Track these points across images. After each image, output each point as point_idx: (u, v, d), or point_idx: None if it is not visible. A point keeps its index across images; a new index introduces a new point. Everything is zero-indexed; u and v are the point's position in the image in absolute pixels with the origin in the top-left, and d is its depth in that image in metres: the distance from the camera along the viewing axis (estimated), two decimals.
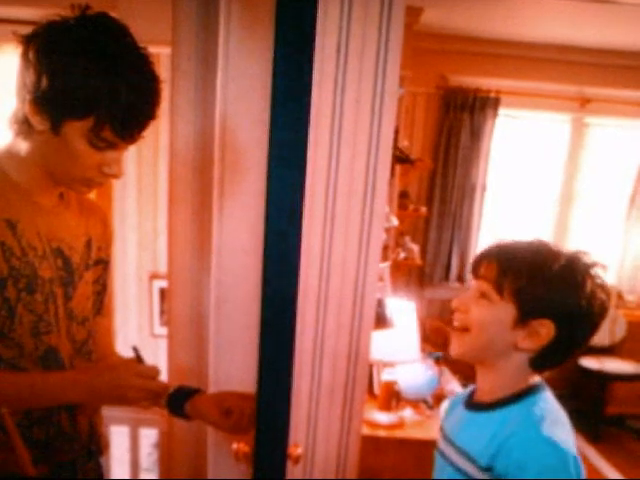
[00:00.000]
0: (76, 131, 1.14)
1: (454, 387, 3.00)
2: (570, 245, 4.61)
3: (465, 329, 1.24)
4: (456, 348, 1.27)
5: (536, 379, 1.24)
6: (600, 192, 5.26)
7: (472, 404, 1.31)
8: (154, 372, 1.27)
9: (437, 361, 2.98)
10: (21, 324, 1.19)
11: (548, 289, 1.16)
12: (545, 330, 1.17)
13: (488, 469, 1.16)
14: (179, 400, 1.38)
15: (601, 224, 5.31)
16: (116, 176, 1.24)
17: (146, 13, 2.36)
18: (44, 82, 1.11)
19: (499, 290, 1.19)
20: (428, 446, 2.51)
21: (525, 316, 1.18)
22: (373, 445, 2.38)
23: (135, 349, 1.31)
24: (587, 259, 1.19)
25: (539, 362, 1.22)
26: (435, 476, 1.36)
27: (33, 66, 1.11)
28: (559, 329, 1.16)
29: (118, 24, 1.16)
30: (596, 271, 1.19)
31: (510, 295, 1.18)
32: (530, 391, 1.22)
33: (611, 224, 5.28)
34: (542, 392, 1.23)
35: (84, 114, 1.12)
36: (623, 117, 5.06)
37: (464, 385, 3.22)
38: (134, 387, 1.22)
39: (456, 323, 1.26)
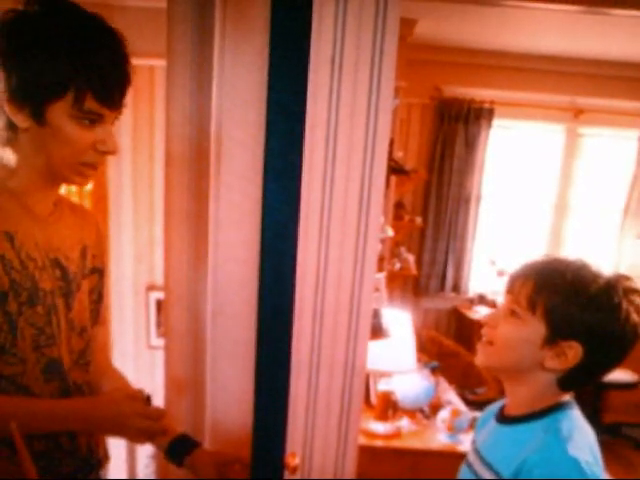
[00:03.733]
0: (61, 114, 1.13)
1: (450, 397, 3.00)
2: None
3: (490, 342, 1.24)
4: (480, 358, 1.27)
5: (565, 397, 1.23)
6: (594, 202, 5.29)
7: (501, 417, 1.30)
8: (158, 414, 1.26)
9: (433, 371, 2.98)
10: (23, 338, 1.17)
11: (582, 310, 1.14)
12: (573, 352, 1.15)
13: None
14: (180, 452, 1.38)
15: (595, 234, 5.34)
16: (112, 152, 1.21)
17: (141, 26, 2.37)
18: (15, 76, 1.10)
19: (532, 307, 1.17)
20: (425, 456, 2.53)
21: (554, 336, 1.16)
22: (370, 455, 2.38)
23: (146, 394, 1.30)
24: (628, 284, 1.16)
25: (566, 382, 1.20)
26: None
27: (2, 66, 1.11)
28: (587, 352, 1.15)
29: (71, 1, 1.15)
30: (635, 297, 1.15)
31: (542, 313, 1.16)
32: (556, 408, 1.20)
33: (605, 234, 5.30)
34: (569, 410, 1.21)
35: (62, 90, 1.11)
36: (616, 127, 5.10)
37: (460, 395, 3.22)
38: (134, 427, 1.22)
39: (484, 338, 1.26)
